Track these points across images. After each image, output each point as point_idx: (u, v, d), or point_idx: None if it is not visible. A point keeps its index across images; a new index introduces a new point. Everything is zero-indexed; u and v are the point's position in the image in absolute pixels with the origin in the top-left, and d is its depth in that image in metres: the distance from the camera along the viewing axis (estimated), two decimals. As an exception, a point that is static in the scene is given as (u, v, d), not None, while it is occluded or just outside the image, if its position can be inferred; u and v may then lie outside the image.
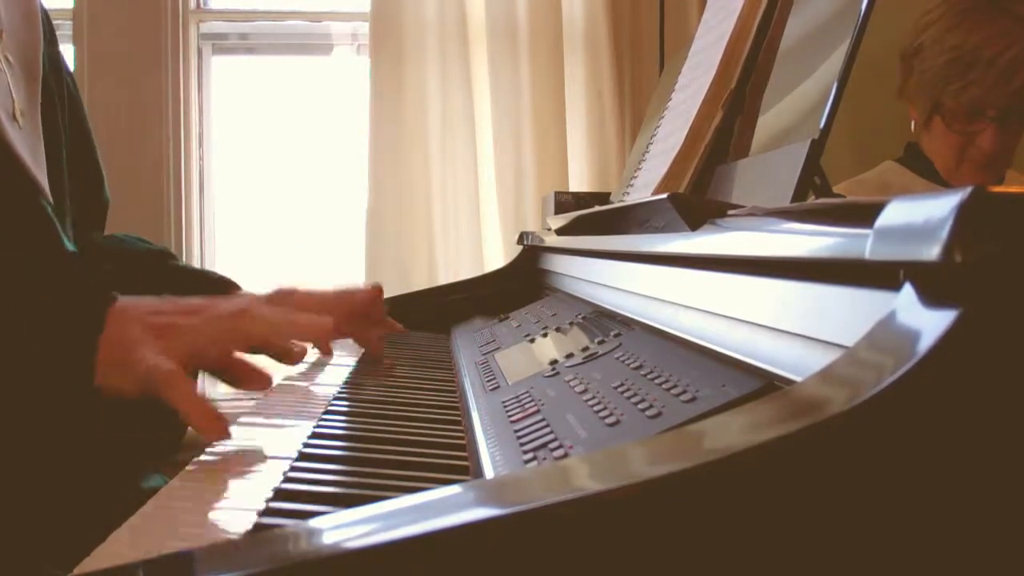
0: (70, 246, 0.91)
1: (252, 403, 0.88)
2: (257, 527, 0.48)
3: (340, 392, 0.87)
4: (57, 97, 0.98)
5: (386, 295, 1.69)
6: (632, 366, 0.63)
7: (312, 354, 1.05)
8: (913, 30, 1.54)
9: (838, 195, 0.72)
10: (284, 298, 0.74)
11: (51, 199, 0.90)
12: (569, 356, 0.75)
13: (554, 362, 0.76)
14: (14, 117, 0.87)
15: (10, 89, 0.87)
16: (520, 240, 1.59)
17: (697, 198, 0.93)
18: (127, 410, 0.67)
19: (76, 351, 0.63)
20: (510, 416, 0.65)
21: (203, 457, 0.63)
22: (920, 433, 0.30)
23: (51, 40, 1.00)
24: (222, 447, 0.66)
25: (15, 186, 0.86)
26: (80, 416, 0.66)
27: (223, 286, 1.04)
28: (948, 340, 0.30)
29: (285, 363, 0.78)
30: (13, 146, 0.85)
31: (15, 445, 0.68)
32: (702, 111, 0.99)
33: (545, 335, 0.92)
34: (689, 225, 0.64)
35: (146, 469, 0.80)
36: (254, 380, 0.72)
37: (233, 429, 0.68)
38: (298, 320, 0.68)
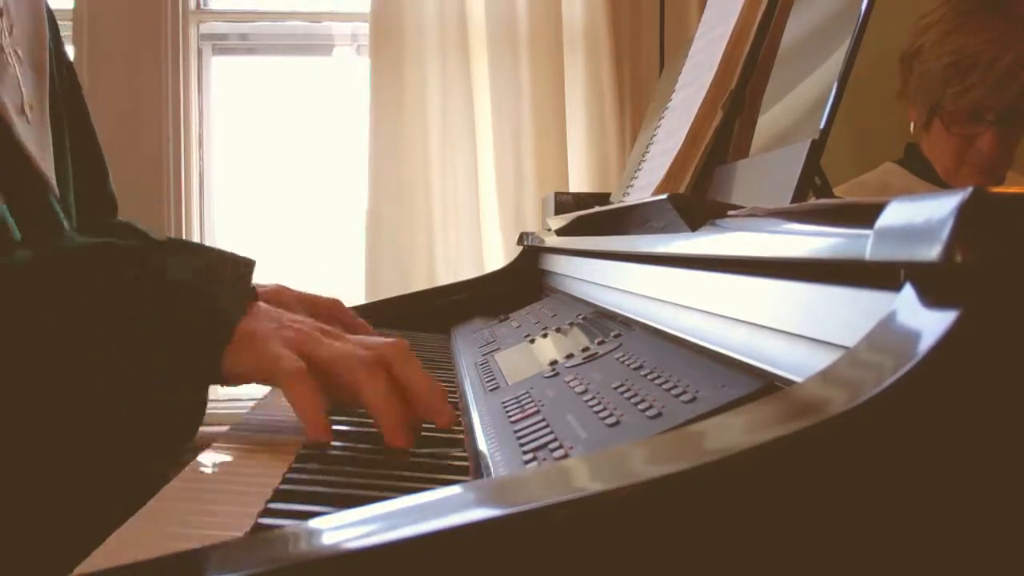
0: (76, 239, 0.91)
1: (252, 403, 0.88)
2: (256, 527, 0.48)
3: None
4: (60, 91, 0.98)
5: (386, 295, 1.69)
6: (632, 366, 0.63)
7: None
8: (913, 32, 1.54)
9: (838, 196, 0.72)
10: (403, 366, 0.70)
11: (58, 193, 0.90)
12: (569, 356, 0.75)
13: (554, 362, 0.76)
14: (23, 111, 0.87)
15: (19, 83, 0.88)
16: (520, 240, 1.59)
17: (697, 198, 0.93)
18: (143, 411, 0.69)
19: (212, 335, 0.67)
20: (510, 416, 0.65)
21: (203, 457, 0.63)
22: (920, 434, 0.30)
23: (55, 36, 1.01)
24: (221, 446, 0.66)
25: (23, 180, 0.86)
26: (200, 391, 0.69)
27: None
28: (948, 341, 0.30)
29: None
30: (22, 140, 0.85)
31: (22, 445, 0.68)
32: (702, 111, 0.99)
33: (545, 335, 0.92)
34: (689, 225, 0.64)
35: (152, 470, 0.80)
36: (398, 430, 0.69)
37: (233, 429, 0.69)
38: (392, 411, 0.67)
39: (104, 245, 0.73)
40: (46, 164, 0.89)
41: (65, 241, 0.74)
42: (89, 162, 1.07)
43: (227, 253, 0.79)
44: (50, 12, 1.00)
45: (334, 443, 0.66)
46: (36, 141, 0.88)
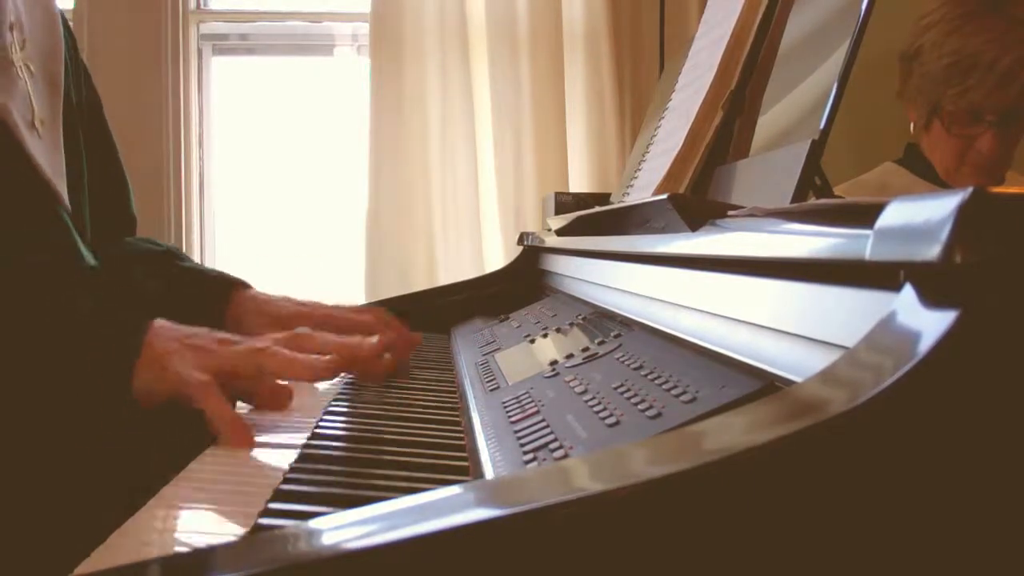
0: (88, 255, 0.91)
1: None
2: (257, 528, 0.48)
3: (340, 393, 0.87)
4: (78, 107, 0.98)
5: (386, 295, 1.69)
6: (632, 367, 0.63)
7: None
8: (913, 32, 1.54)
9: (838, 196, 0.72)
10: (303, 341, 0.81)
11: (69, 208, 0.90)
12: (569, 357, 0.75)
13: (554, 363, 0.76)
14: (33, 126, 0.87)
15: (30, 98, 0.88)
16: (520, 241, 1.59)
17: (697, 199, 0.93)
18: (153, 419, 0.72)
19: (118, 356, 0.71)
20: (510, 417, 0.65)
21: (203, 458, 0.63)
22: (920, 434, 0.30)
23: (73, 49, 1.00)
24: (221, 447, 0.66)
25: (32, 194, 0.86)
26: (110, 418, 0.72)
27: (225, 286, 1.04)
28: (948, 341, 0.30)
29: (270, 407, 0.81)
30: (31, 154, 0.85)
31: (25, 445, 0.68)
32: (702, 111, 0.99)
33: (545, 336, 0.92)
34: (689, 226, 0.64)
35: (155, 474, 0.81)
36: (276, 398, 0.79)
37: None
38: (300, 361, 0.76)
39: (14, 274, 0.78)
40: (57, 178, 0.89)
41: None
42: (109, 180, 1.06)
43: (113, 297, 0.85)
44: (67, 27, 1.00)
45: (334, 443, 0.66)
46: (47, 156, 0.88)
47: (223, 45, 2.26)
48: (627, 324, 0.79)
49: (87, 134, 1.00)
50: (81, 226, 0.93)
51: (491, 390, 0.77)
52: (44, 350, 0.71)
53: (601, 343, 0.75)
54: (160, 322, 0.75)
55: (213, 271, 1.12)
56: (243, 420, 0.69)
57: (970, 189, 0.31)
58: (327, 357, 0.77)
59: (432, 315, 1.40)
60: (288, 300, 1.05)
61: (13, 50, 0.86)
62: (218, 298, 1.03)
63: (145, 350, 0.71)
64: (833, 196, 0.73)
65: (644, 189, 1.09)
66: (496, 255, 2.00)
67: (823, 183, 0.74)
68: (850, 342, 0.36)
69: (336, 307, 1.05)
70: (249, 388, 0.78)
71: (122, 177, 1.10)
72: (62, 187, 0.90)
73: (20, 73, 0.87)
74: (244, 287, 1.05)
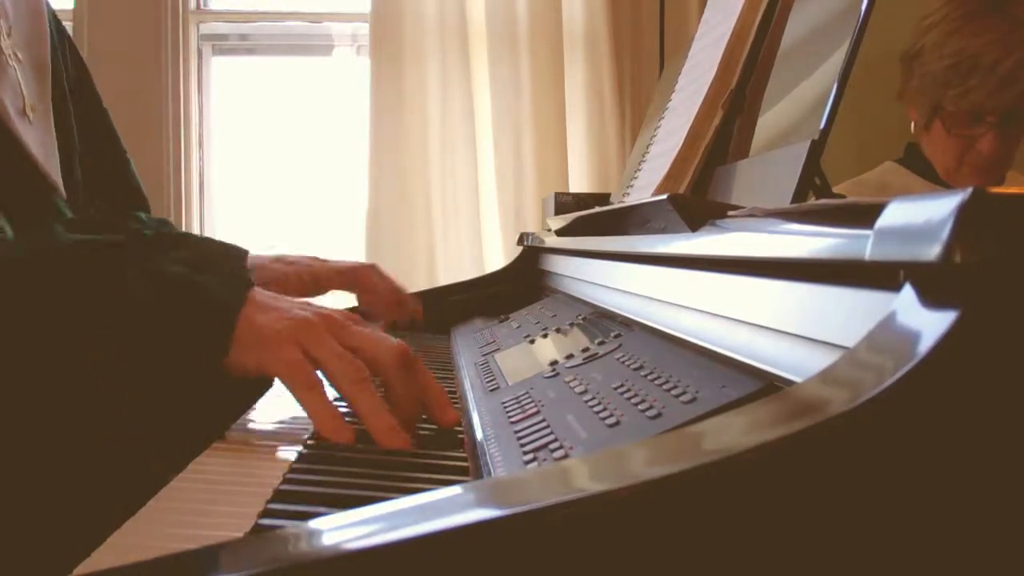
0: None
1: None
2: (256, 527, 0.48)
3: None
4: (69, 92, 0.98)
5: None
6: (632, 367, 0.63)
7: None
8: (914, 32, 1.54)
9: (838, 195, 0.72)
10: (415, 376, 0.72)
11: (64, 195, 0.90)
12: (569, 357, 0.75)
13: (554, 363, 0.76)
14: (24, 113, 0.86)
15: (20, 85, 0.87)
16: (520, 241, 1.59)
17: (697, 199, 0.93)
18: (162, 416, 0.69)
19: (215, 327, 0.66)
20: (510, 417, 0.65)
21: (203, 458, 0.63)
22: (920, 434, 0.30)
23: (60, 33, 1.00)
24: (221, 446, 0.66)
25: (27, 183, 0.85)
26: (203, 385, 0.68)
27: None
28: (948, 341, 0.30)
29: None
30: (24, 142, 0.85)
31: (21, 446, 0.68)
32: (702, 112, 0.99)
33: (545, 336, 0.92)
34: (689, 226, 0.64)
35: (157, 471, 0.80)
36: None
37: (233, 429, 0.69)
38: (382, 422, 0.67)
39: (93, 242, 0.71)
40: (51, 166, 0.89)
41: (54, 237, 0.73)
42: (106, 155, 1.06)
43: (218, 243, 0.78)
44: (54, 13, 0.99)
45: (334, 443, 0.66)
46: (40, 143, 0.88)
47: (223, 45, 2.26)
48: (627, 324, 0.79)
49: (78, 113, 0.99)
50: (76, 212, 0.92)
51: (491, 390, 0.77)
52: (117, 327, 0.65)
53: (601, 343, 0.75)
54: (259, 291, 0.70)
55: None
56: (341, 415, 0.64)
57: (970, 189, 0.31)
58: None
59: (432, 315, 1.40)
60: (278, 259, 1.09)
61: (1, 38, 0.86)
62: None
63: (243, 320, 0.66)
64: (833, 196, 0.73)
65: (644, 189, 1.09)
66: (496, 255, 2.00)
67: (823, 183, 0.74)
68: (850, 342, 0.36)
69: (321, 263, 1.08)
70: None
71: (119, 149, 1.09)
72: (56, 175, 0.89)
73: (9, 61, 0.87)
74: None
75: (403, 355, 0.70)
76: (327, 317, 0.70)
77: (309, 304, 0.72)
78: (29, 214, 0.84)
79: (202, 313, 0.67)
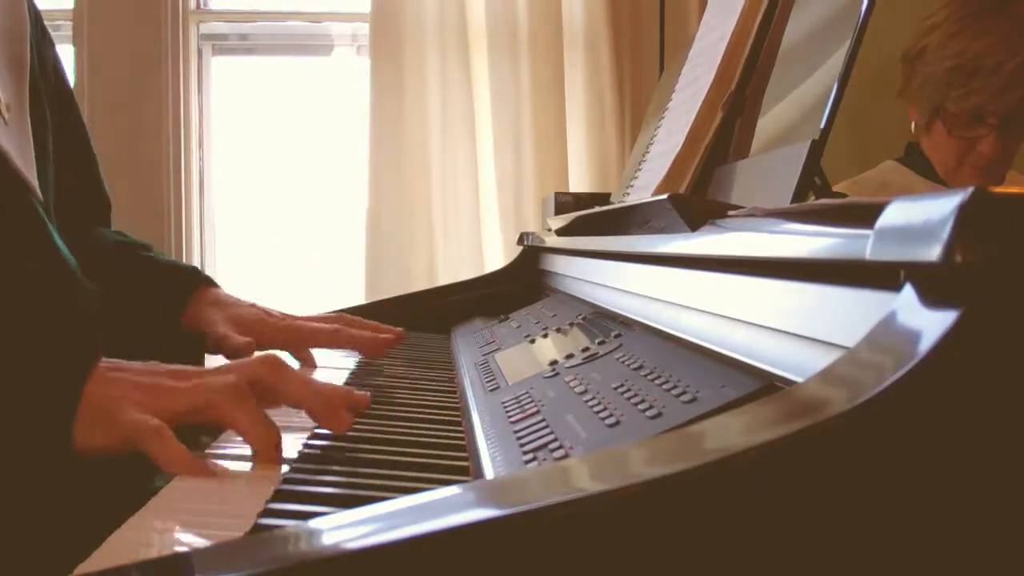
0: (62, 245, 0.89)
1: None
2: (257, 528, 0.48)
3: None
4: (45, 93, 0.96)
5: (386, 295, 1.69)
6: (632, 367, 0.63)
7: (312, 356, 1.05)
8: (916, 32, 1.53)
9: (839, 194, 0.72)
10: (271, 375, 0.69)
11: (40, 196, 0.88)
12: (569, 357, 0.75)
13: (554, 363, 0.76)
14: (0, 113, 0.85)
15: None
16: (520, 240, 1.59)
17: (697, 199, 0.93)
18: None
19: (54, 414, 0.62)
20: (510, 417, 0.65)
21: (202, 458, 0.63)
22: (920, 434, 0.30)
23: (40, 35, 0.99)
24: (221, 448, 0.66)
25: (3, 185, 0.84)
26: (56, 462, 0.63)
27: (190, 279, 1.04)
28: (948, 341, 0.30)
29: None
30: (0, 144, 0.83)
31: (15, 448, 0.67)
32: (702, 112, 0.99)
33: (545, 336, 0.92)
34: (689, 226, 0.64)
35: (149, 469, 0.80)
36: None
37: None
38: (263, 430, 0.64)
39: None
40: (26, 167, 0.86)
41: None
42: (78, 163, 1.04)
43: (66, 307, 0.76)
44: (34, 8, 0.98)
45: (334, 443, 0.66)
46: (15, 143, 0.86)
47: (223, 45, 2.26)
48: (627, 324, 0.79)
49: (53, 114, 0.97)
50: (50, 212, 0.91)
51: (491, 390, 0.77)
52: None
53: (601, 343, 0.75)
54: (104, 363, 0.65)
55: (182, 264, 1.11)
56: (200, 461, 0.61)
57: (970, 189, 0.31)
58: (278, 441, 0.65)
59: (432, 315, 1.40)
60: (253, 306, 1.04)
61: None
62: (181, 290, 1.02)
63: (84, 400, 0.62)
64: (833, 195, 0.73)
65: (644, 189, 1.09)
66: (496, 255, 2.00)
67: (823, 183, 0.74)
68: (850, 342, 0.36)
69: (300, 317, 1.04)
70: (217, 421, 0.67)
71: (91, 157, 1.07)
72: (32, 176, 0.87)
73: None
74: (210, 284, 1.05)
75: (272, 364, 0.68)
76: (170, 370, 0.67)
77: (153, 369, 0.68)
78: (5, 216, 0.83)
79: (42, 399, 0.62)
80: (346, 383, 0.91)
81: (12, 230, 0.83)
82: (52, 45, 1.01)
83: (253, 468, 0.61)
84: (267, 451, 0.63)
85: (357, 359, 1.06)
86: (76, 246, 0.92)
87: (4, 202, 0.83)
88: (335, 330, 1.03)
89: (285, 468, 0.60)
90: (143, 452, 0.61)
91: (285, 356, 0.95)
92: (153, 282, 1.03)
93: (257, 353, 0.71)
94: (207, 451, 0.65)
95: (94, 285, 0.89)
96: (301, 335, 1.03)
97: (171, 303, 1.00)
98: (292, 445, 0.65)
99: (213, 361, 0.99)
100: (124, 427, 0.61)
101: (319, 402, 0.68)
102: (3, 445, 0.61)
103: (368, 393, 0.73)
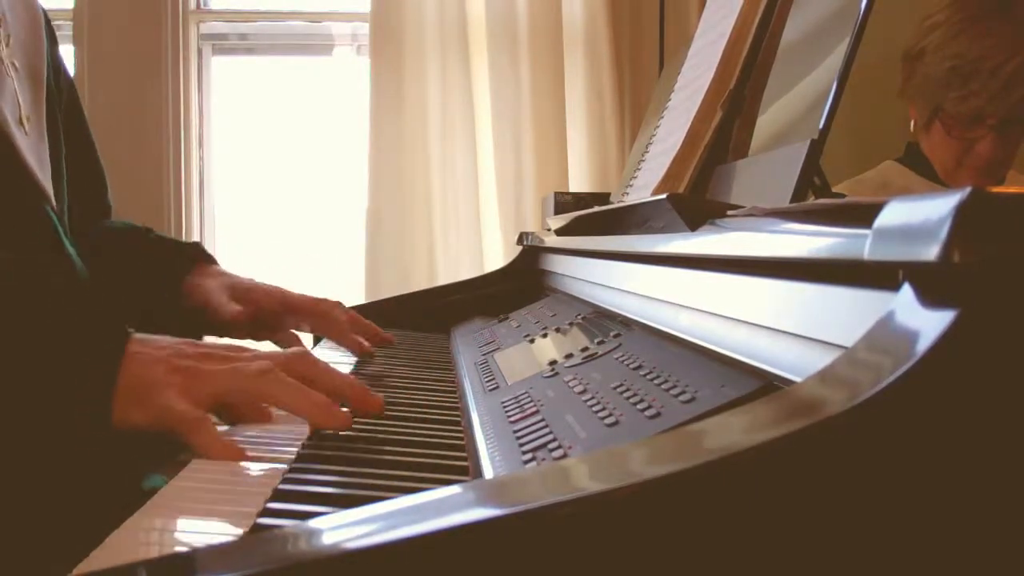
0: (73, 252, 0.91)
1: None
2: (256, 527, 0.48)
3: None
4: (57, 101, 0.98)
5: (386, 295, 1.69)
6: (631, 366, 0.63)
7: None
8: (916, 32, 1.53)
9: (838, 194, 0.72)
10: (302, 365, 0.71)
11: (55, 205, 0.90)
12: (568, 356, 0.76)
13: (553, 362, 0.76)
14: (20, 123, 0.86)
15: (16, 95, 0.87)
16: (520, 240, 1.59)
17: (696, 198, 0.93)
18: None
19: (93, 391, 0.63)
20: (509, 416, 0.65)
21: (203, 457, 0.63)
22: (919, 433, 0.31)
23: (52, 43, 1.00)
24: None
25: (22, 193, 0.86)
26: (89, 445, 0.65)
27: (194, 256, 1.09)
28: (947, 340, 0.30)
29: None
30: (21, 153, 0.85)
31: (16, 447, 0.67)
32: (701, 111, 0.99)
33: (545, 335, 0.92)
34: (688, 225, 0.64)
35: (147, 469, 0.80)
36: (261, 416, 0.72)
37: (233, 428, 0.69)
38: (313, 398, 0.68)
39: None
40: (44, 176, 0.89)
41: None
42: (87, 172, 1.06)
43: (94, 287, 0.79)
44: (48, 21, 0.99)
45: (333, 443, 0.66)
46: (35, 153, 0.88)
47: (223, 45, 2.26)
48: (627, 324, 0.79)
49: (65, 126, 0.99)
50: (63, 220, 0.93)
51: (491, 390, 0.77)
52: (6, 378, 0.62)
53: (600, 343, 0.75)
54: (139, 341, 0.66)
55: (184, 242, 1.15)
56: (236, 445, 0.63)
57: (969, 189, 0.31)
58: (341, 409, 0.68)
59: (432, 315, 1.40)
60: (251, 280, 1.09)
61: (1, 47, 0.86)
62: (180, 264, 1.06)
63: (122, 383, 0.63)
64: (832, 195, 0.73)
65: (643, 189, 1.09)
66: (496, 255, 2.00)
67: (822, 183, 0.74)
68: (849, 342, 0.36)
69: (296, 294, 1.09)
70: (239, 412, 0.71)
71: (98, 167, 1.10)
72: (48, 184, 0.89)
73: (8, 71, 0.87)
74: (211, 261, 1.10)
75: (304, 356, 0.71)
76: (207, 353, 0.69)
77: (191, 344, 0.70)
78: (22, 224, 0.84)
79: (79, 375, 0.64)
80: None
81: (30, 236, 0.85)
82: (56, 44, 1.02)
83: (253, 468, 0.61)
84: (322, 415, 0.66)
85: (355, 360, 1.06)
86: (80, 246, 0.94)
87: (23, 210, 0.84)
88: (317, 301, 1.07)
89: (285, 467, 0.60)
90: (180, 439, 0.63)
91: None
92: (157, 255, 1.07)
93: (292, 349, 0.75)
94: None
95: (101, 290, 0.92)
96: (287, 299, 1.07)
97: (171, 275, 1.05)
98: (291, 446, 0.65)
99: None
100: (164, 412, 0.64)
101: (353, 392, 0.71)
102: (44, 426, 0.63)
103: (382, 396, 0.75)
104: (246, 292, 1.06)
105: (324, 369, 0.72)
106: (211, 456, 0.62)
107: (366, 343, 1.08)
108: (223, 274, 1.08)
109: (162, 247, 1.10)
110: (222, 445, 0.62)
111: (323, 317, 1.09)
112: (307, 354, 0.73)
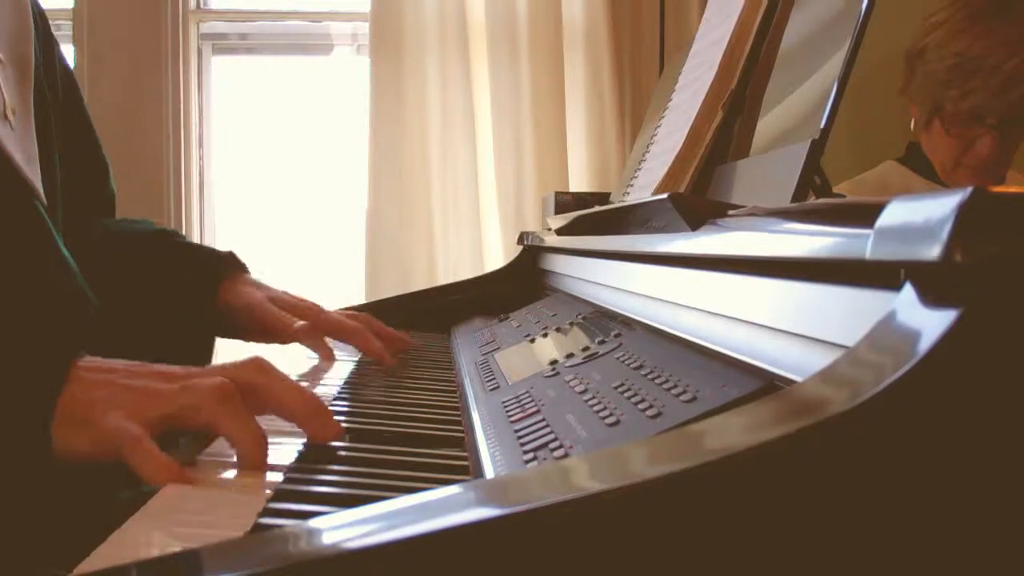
0: (63, 249, 0.90)
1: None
2: (257, 527, 0.48)
3: (340, 392, 0.86)
4: (50, 92, 0.96)
5: (386, 295, 1.69)
6: (632, 366, 0.63)
7: (312, 354, 1.05)
8: (918, 30, 1.53)
9: (839, 195, 0.72)
10: (253, 373, 0.65)
11: (44, 200, 0.88)
12: (569, 356, 0.75)
13: (554, 362, 0.76)
14: (6, 116, 0.85)
15: (1, 87, 0.86)
16: (520, 240, 1.59)
17: (697, 198, 0.93)
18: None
19: (31, 412, 0.59)
20: (510, 416, 0.65)
21: (203, 457, 0.63)
22: (920, 433, 0.30)
23: (45, 34, 0.99)
24: (221, 446, 0.66)
25: (7, 187, 0.84)
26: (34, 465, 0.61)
27: (226, 263, 1.08)
28: (948, 340, 0.30)
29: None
30: (4, 146, 0.83)
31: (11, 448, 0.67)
32: (702, 111, 0.99)
33: (545, 335, 0.92)
34: (689, 225, 0.64)
35: (119, 477, 0.79)
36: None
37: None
38: (251, 435, 0.61)
39: None
40: (31, 170, 0.86)
41: None
42: (86, 163, 1.05)
43: (54, 310, 0.76)
44: (41, 12, 0.98)
45: (334, 443, 0.66)
46: (21, 147, 0.85)
47: (223, 45, 2.26)
48: (627, 323, 0.79)
49: (59, 115, 0.97)
50: (55, 216, 0.91)
51: (491, 389, 0.77)
52: None
53: (601, 342, 0.75)
54: (87, 362, 0.62)
55: (213, 250, 1.14)
56: (183, 472, 0.57)
57: (970, 189, 0.31)
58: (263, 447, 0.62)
59: (432, 315, 1.40)
60: (286, 293, 1.08)
61: None
62: (217, 269, 1.06)
63: (64, 401, 0.59)
64: (833, 195, 0.73)
65: (644, 189, 1.09)
66: (496, 255, 2.00)
67: (823, 183, 0.74)
68: (850, 342, 0.36)
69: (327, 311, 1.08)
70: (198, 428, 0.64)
71: (99, 155, 1.09)
72: (36, 178, 0.87)
73: None
74: (241, 267, 1.09)
75: (259, 366, 0.65)
76: (158, 371, 0.64)
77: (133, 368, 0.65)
78: (9, 220, 0.83)
79: (16, 404, 0.60)
80: (346, 382, 0.91)
81: (13, 233, 0.83)
82: (57, 45, 1.02)
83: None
84: (252, 456, 0.60)
85: (358, 358, 1.06)
86: (84, 240, 0.93)
87: (7, 205, 0.83)
88: (356, 328, 1.06)
89: (285, 467, 0.60)
90: (123, 462, 0.58)
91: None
92: (190, 261, 1.07)
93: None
94: (208, 450, 0.65)
95: (92, 292, 0.90)
96: (328, 321, 1.06)
97: (207, 281, 1.04)
98: (291, 447, 0.65)
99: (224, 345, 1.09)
100: (104, 435, 0.59)
101: (307, 408, 0.65)
102: None
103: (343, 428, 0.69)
104: (291, 308, 1.05)
105: (281, 383, 0.65)
106: (146, 479, 0.57)
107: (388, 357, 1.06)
108: (262, 286, 1.07)
109: (198, 253, 1.10)
110: (158, 465, 0.57)
111: (358, 335, 1.06)
112: (266, 366, 0.66)
